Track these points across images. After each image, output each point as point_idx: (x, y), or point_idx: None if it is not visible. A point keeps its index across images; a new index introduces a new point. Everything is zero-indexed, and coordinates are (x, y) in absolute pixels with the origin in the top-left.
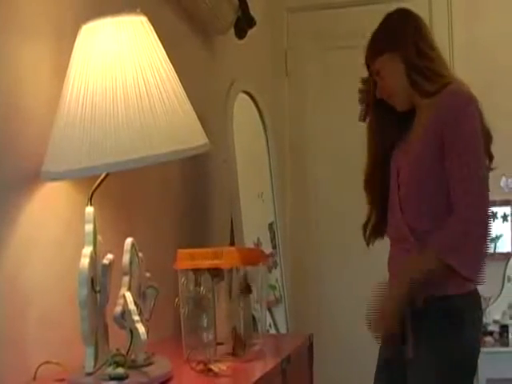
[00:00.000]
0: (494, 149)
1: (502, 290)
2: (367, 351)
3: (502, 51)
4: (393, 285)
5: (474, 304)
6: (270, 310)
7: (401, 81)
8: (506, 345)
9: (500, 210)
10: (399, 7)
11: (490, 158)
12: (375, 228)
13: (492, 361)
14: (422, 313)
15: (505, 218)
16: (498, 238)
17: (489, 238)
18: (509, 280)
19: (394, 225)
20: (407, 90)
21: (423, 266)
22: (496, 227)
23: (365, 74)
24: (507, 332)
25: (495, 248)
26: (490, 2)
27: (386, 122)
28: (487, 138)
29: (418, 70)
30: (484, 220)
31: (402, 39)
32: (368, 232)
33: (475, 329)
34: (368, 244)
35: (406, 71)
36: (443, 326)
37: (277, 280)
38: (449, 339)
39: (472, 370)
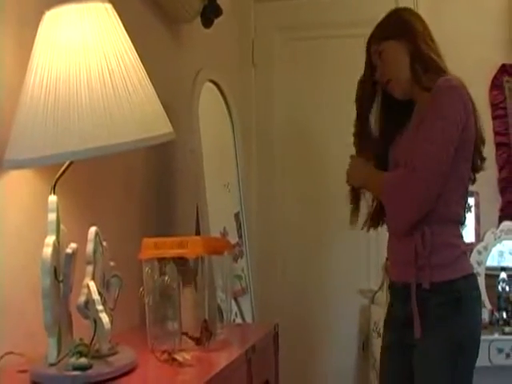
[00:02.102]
0: None
1: None
2: (331, 340)
3: (467, 47)
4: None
5: (474, 285)
6: (236, 299)
7: (403, 68)
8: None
9: None
10: (403, 6)
11: (482, 159)
12: (373, 217)
13: None
14: (428, 296)
15: (468, 208)
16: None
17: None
18: None
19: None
20: (408, 80)
21: (373, 185)
22: None
23: (331, 64)
24: None
25: None
26: None
27: (385, 118)
28: (481, 142)
29: (421, 59)
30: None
31: (413, 28)
32: (367, 220)
33: (478, 308)
34: (368, 230)
35: (410, 60)
36: (448, 308)
37: (243, 270)
38: (453, 321)
39: (476, 350)
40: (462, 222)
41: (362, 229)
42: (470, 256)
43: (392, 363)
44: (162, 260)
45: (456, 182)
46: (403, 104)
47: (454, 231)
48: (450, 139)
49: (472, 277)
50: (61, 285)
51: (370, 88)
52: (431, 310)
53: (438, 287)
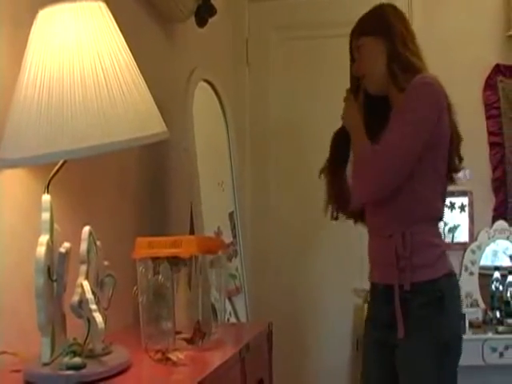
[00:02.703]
0: None
1: (459, 279)
2: (325, 339)
3: (461, 47)
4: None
5: (455, 283)
6: (230, 299)
7: (379, 65)
8: (463, 333)
9: (458, 201)
10: (390, 2)
11: (460, 159)
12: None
13: None
14: (410, 297)
15: (462, 208)
16: (455, 227)
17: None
18: (466, 269)
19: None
20: (383, 77)
21: (357, 136)
22: (454, 217)
23: (325, 63)
24: (464, 321)
25: (453, 238)
26: None
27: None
28: (457, 138)
29: (398, 59)
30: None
31: (392, 27)
32: (355, 213)
33: (459, 307)
34: (355, 222)
35: (386, 58)
36: (431, 309)
37: (237, 269)
38: (437, 321)
39: (460, 347)
40: (441, 218)
41: (347, 219)
42: (463, 256)
43: (373, 364)
44: (155, 259)
45: (434, 179)
46: (384, 107)
47: (434, 230)
48: (417, 132)
49: (453, 275)
50: (54, 284)
51: (354, 84)
52: (414, 311)
53: (418, 287)
